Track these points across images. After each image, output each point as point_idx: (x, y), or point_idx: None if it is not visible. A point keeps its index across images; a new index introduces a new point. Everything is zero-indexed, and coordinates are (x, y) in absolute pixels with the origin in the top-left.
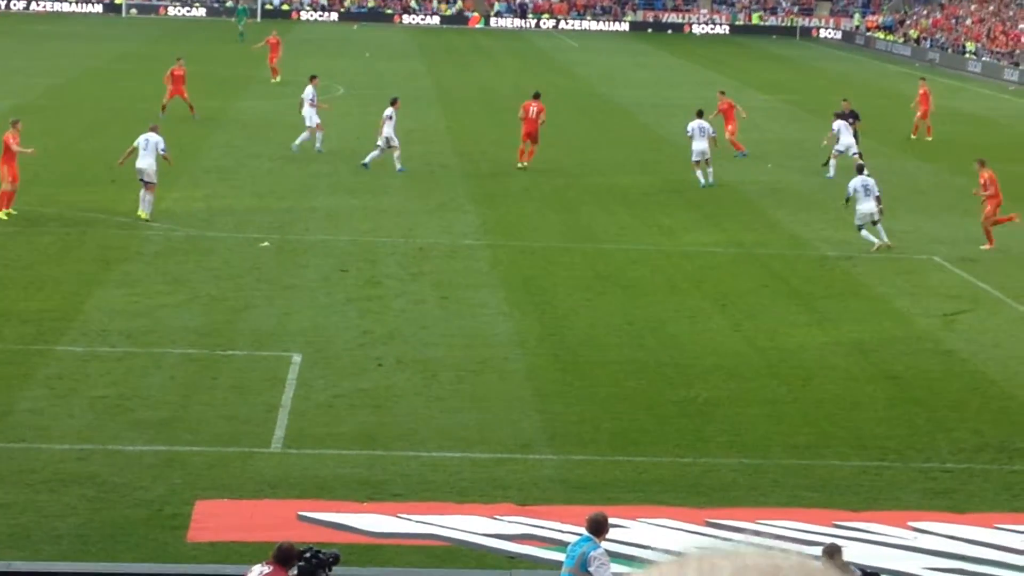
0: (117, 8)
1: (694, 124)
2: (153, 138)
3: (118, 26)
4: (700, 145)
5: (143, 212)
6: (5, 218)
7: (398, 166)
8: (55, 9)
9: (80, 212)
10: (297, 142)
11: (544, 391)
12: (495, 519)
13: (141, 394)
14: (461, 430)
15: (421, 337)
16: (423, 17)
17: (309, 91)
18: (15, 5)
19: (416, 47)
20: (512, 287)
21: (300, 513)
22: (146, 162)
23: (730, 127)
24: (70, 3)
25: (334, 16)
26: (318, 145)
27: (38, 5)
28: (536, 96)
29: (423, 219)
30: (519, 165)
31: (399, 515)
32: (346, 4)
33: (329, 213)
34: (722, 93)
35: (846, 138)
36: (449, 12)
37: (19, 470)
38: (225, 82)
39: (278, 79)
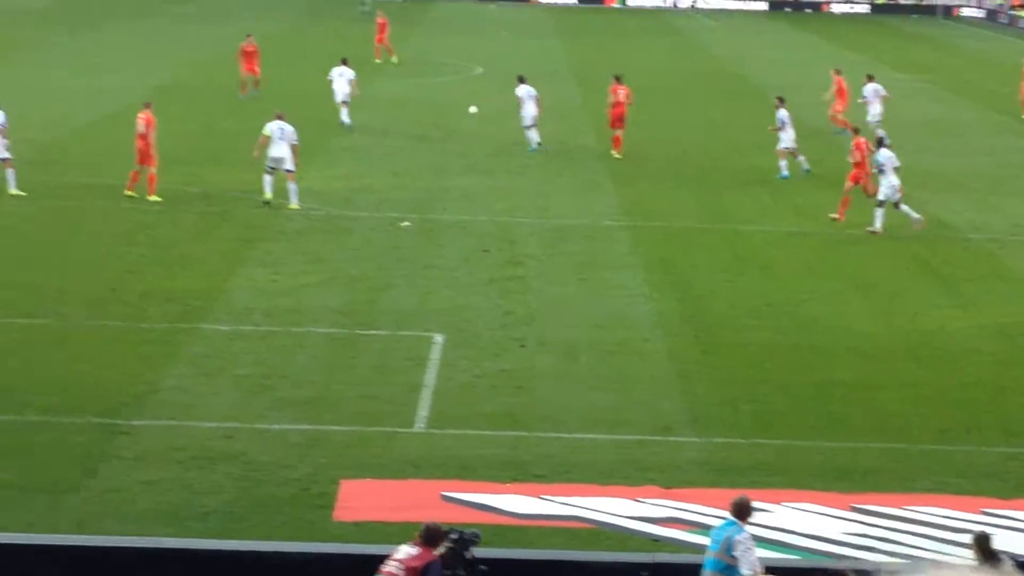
0: None
1: (783, 113)
2: (288, 127)
3: (261, 5)
4: (791, 134)
5: (294, 204)
6: (159, 199)
7: None
8: None
9: (223, 191)
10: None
11: (685, 372)
12: (639, 502)
13: (284, 373)
14: (603, 412)
15: (562, 318)
16: None
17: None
18: None
19: (553, 26)
20: (651, 268)
21: (443, 493)
22: (283, 151)
23: (839, 106)
24: None
25: None
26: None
27: None
28: (619, 79)
29: (561, 199)
30: (615, 155)
31: (542, 496)
32: None
33: (466, 193)
34: (837, 72)
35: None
36: None
37: (167, 447)
38: (356, 61)
39: (395, 59)
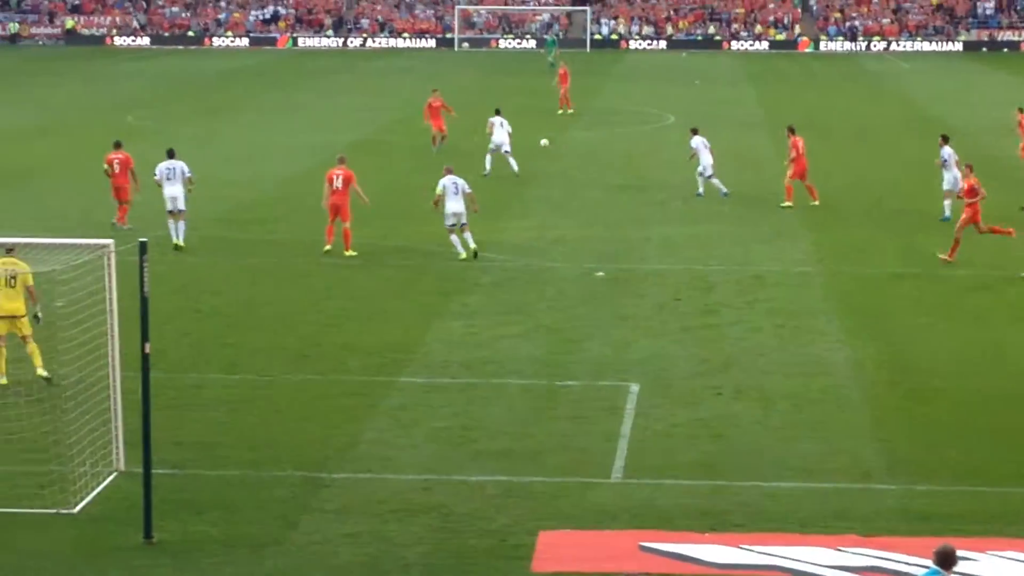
0: (449, 42)
1: (946, 151)
2: (460, 181)
3: (449, 60)
4: (954, 173)
5: (463, 253)
6: (355, 254)
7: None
8: (390, 45)
9: (418, 245)
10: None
11: (884, 419)
12: (839, 550)
13: (482, 424)
14: (800, 459)
15: (758, 365)
16: (752, 43)
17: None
18: (352, 43)
19: (744, 73)
20: (848, 314)
21: (641, 544)
22: (459, 206)
23: None
24: (404, 39)
25: (662, 44)
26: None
27: (374, 42)
28: (793, 130)
29: (756, 246)
30: (814, 203)
31: (741, 546)
32: (670, 32)
33: (660, 241)
34: (1020, 110)
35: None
36: (779, 37)
37: (367, 500)
38: (550, 113)
39: (571, 110)
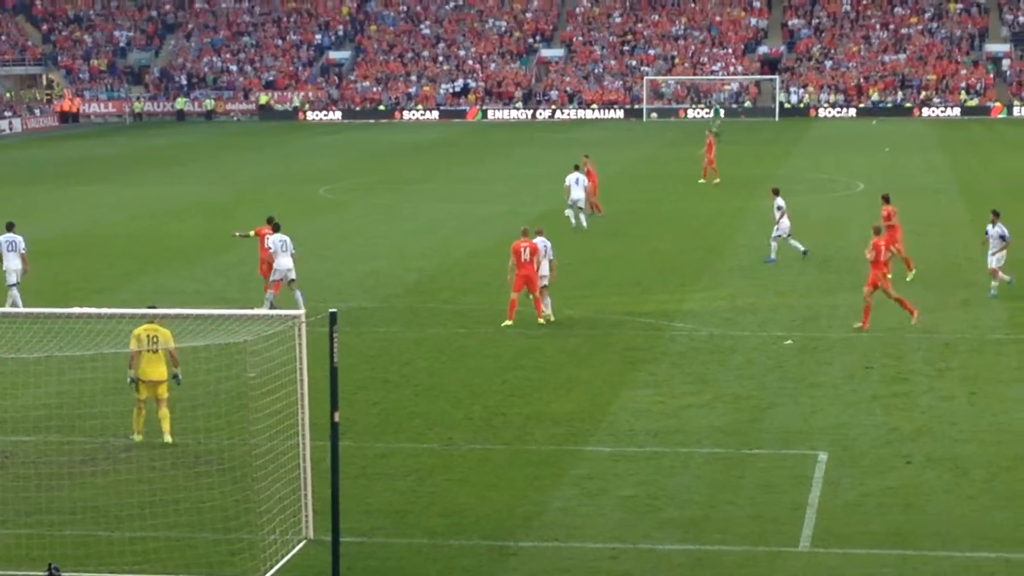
0: (638, 113)
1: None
2: (542, 242)
3: (638, 130)
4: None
5: (548, 312)
6: (543, 322)
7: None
8: (578, 116)
9: (605, 314)
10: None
11: None
12: None
13: (669, 493)
14: (995, 530)
15: (950, 434)
16: (943, 109)
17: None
18: (540, 114)
19: (936, 139)
20: None
21: None
22: (544, 269)
23: None
24: (592, 110)
25: (852, 112)
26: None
27: (562, 113)
28: (887, 199)
29: (948, 314)
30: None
31: None
32: (862, 101)
33: (852, 309)
34: None
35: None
36: (971, 103)
37: (553, 568)
38: (739, 181)
39: (717, 179)
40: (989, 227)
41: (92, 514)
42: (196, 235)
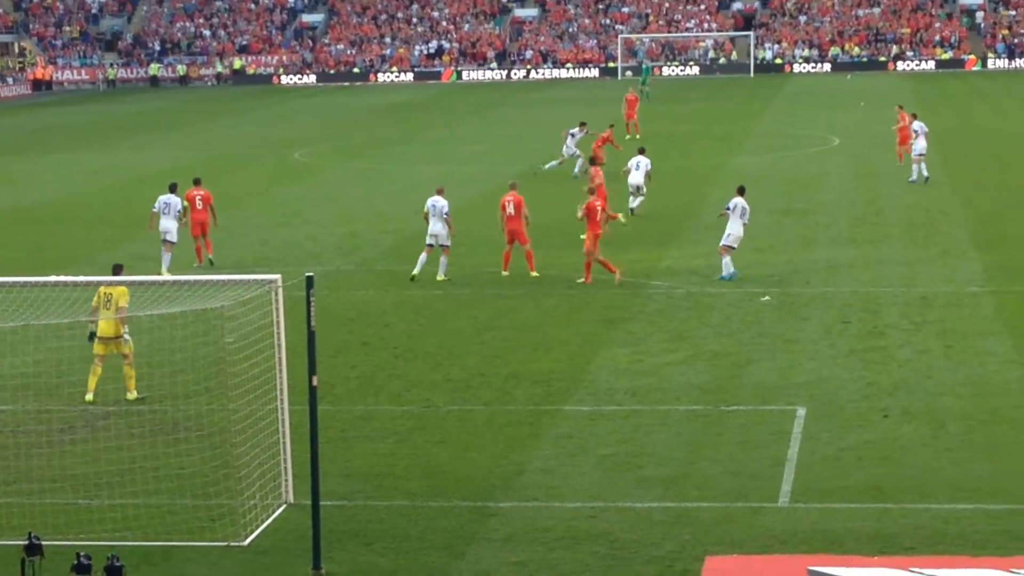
0: (612, 71)
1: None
2: (440, 202)
3: (612, 89)
4: None
5: (440, 276)
6: (536, 275)
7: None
8: (553, 76)
9: (582, 274)
10: (546, 166)
11: None
12: (1013, 572)
13: (648, 451)
14: (973, 481)
15: (927, 387)
16: (918, 63)
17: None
18: (515, 74)
19: (911, 93)
20: (1020, 333)
21: (810, 568)
22: (439, 227)
23: None
24: (567, 69)
25: (826, 67)
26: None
27: (537, 73)
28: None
29: (924, 267)
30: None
31: (911, 569)
32: (835, 53)
33: (829, 264)
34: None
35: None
36: (945, 56)
37: (533, 528)
38: (719, 139)
39: (638, 135)
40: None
41: (71, 482)
42: None
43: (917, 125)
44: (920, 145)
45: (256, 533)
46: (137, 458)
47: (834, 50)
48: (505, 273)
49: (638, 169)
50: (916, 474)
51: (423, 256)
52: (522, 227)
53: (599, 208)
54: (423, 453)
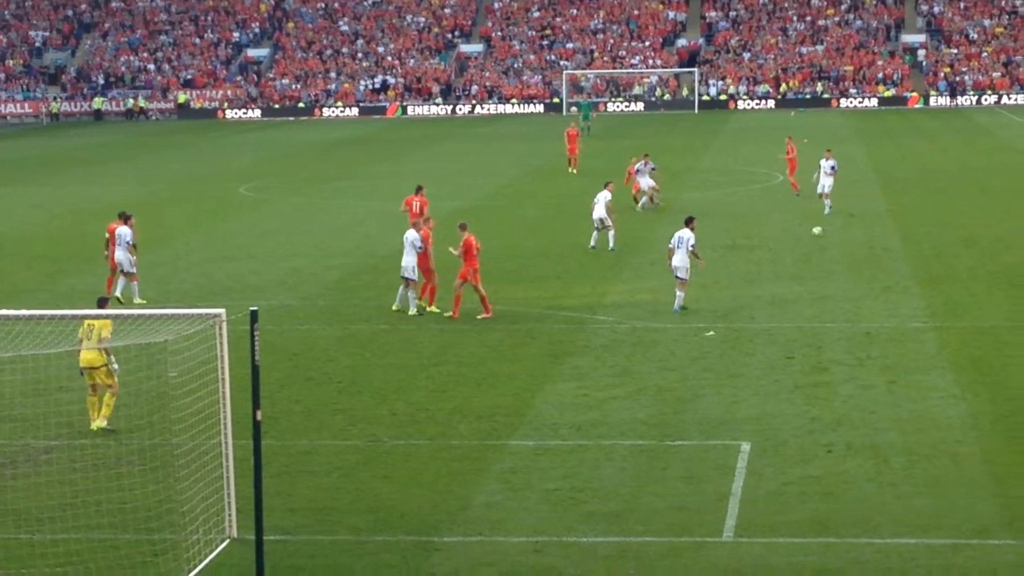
0: (557, 107)
1: None
2: (412, 235)
3: (558, 124)
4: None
5: (411, 311)
6: (436, 310)
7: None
8: (498, 111)
9: (527, 308)
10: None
11: (1000, 474)
12: None
13: (593, 486)
14: (915, 516)
15: (870, 422)
16: (861, 100)
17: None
18: (460, 109)
19: (854, 130)
20: (962, 369)
21: None
22: (411, 260)
23: None
24: (512, 104)
25: (771, 104)
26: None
27: (482, 108)
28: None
29: (868, 303)
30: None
31: None
32: (783, 90)
33: (773, 300)
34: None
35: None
36: (888, 93)
37: (477, 563)
38: (664, 174)
39: (575, 171)
40: (823, 160)
41: (13, 517)
42: None
43: (825, 163)
44: (827, 183)
45: (199, 568)
46: (79, 492)
47: (782, 87)
48: (429, 308)
49: (598, 203)
50: (859, 509)
51: (400, 289)
52: (427, 262)
53: (473, 243)
54: (368, 488)
